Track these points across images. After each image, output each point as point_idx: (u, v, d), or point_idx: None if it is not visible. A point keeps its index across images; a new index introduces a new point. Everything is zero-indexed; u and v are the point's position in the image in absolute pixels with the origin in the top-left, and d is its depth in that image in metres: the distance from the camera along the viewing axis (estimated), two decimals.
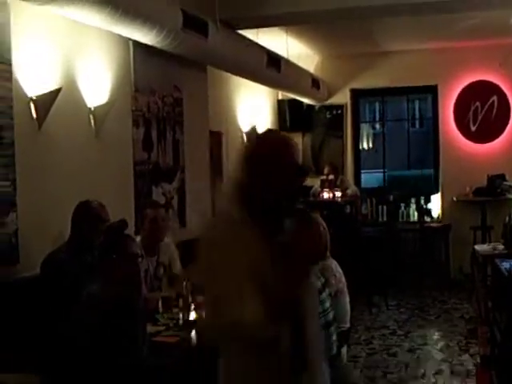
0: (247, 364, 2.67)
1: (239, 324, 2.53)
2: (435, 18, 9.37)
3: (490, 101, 11.82)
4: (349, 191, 10.48)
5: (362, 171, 13.09)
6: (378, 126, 19.85)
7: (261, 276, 2.54)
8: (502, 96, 11.75)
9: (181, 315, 4.72)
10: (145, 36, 6.26)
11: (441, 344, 7.98)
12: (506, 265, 4.08)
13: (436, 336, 8.41)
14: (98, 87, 6.35)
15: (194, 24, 6.84)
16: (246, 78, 9.55)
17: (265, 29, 9.17)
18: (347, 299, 4.87)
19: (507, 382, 3.47)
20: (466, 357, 7.27)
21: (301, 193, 2.79)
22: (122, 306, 3.88)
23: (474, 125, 11.87)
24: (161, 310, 4.94)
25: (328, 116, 12.50)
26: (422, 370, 6.98)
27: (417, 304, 10.00)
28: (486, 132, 11.77)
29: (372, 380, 6.70)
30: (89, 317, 3.85)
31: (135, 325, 3.93)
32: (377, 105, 20.12)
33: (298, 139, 12.35)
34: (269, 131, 2.95)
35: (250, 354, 2.64)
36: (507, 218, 8.00)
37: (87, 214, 4.97)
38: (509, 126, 11.73)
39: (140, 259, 4.40)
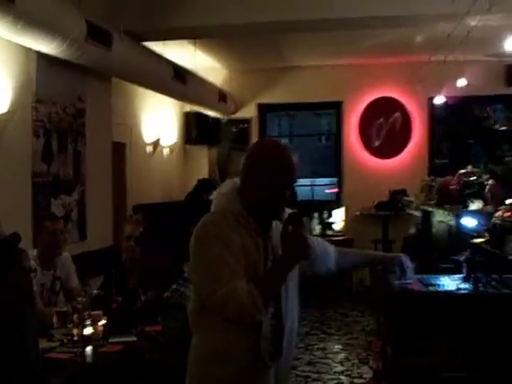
0: (229, 342, 2.88)
1: (231, 302, 2.75)
2: (342, 34, 9.54)
3: (394, 117, 12.10)
4: None
5: None
6: (285, 140, 20.10)
7: (251, 264, 2.83)
8: (405, 113, 12.05)
9: (75, 331, 4.62)
10: (47, 46, 6.16)
11: (341, 357, 8.06)
12: (397, 279, 4.14)
13: (336, 349, 8.47)
14: None
15: (97, 34, 6.77)
16: (152, 89, 9.52)
17: (173, 41, 9.15)
18: None
19: None
20: (365, 369, 7.39)
21: (293, 194, 2.95)
22: (13, 320, 3.78)
23: (377, 140, 12.12)
24: (56, 325, 4.82)
25: (234, 130, 12.53)
26: (322, 383, 7.05)
27: (318, 317, 10.07)
28: (388, 148, 12.04)
29: None
30: None
31: (26, 340, 3.82)
32: (284, 119, 20.37)
33: (203, 152, 12.38)
34: (269, 138, 3.20)
35: (234, 333, 2.86)
36: (407, 233, 8.18)
37: None
38: (411, 142, 12.04)
39: (34, 273, 4.29)
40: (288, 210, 3.04)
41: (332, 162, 13.32)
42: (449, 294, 3.75)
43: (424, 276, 4.24)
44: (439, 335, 3.52)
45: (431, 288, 3.86)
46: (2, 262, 4.02)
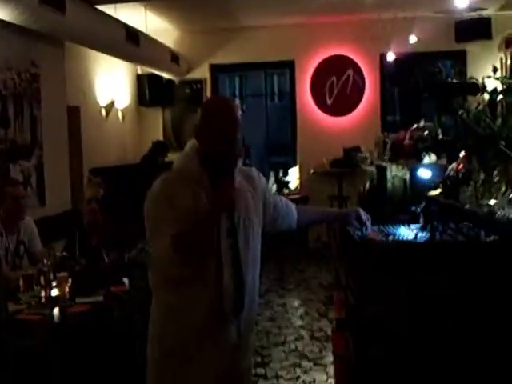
0: (186, 299, 3.00)
1: (157, 258, 3.01)
2: None
3: (346, 75, 12.21)
4: None
5: None
6: (237, 100, 20.11)
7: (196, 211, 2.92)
8: (357, 70, 12.16)
9: (43, 293, 4.68)
10: (1, 12, 6.11)
11: (300, 311, 8.25)
12: (357, 232, 4.26)
13: (296, 304, 8.66)
14: None
15: None
16: (105, 52, 9.47)
17: (123, 4, 9.10)
18: None
19: (360, 341, 3.67)
20: (325, 322, 7.57)
21: (237, 150, 3.05)
22: None
23: (330, 99, 12.22)
24: (22, 288, 4.87)
25: (188, 91, 12.53)
26: (283, 337, 7.20)
27: (277, 274, 10.25)
28: (341, 106, 12.16)
29: None
30: None
31: None
32: (236, 80, 20.38)
33: (158, 114, 12.38)
34: (217, 95, 3.29)
35: (192, 290, 2.98)
36: (362, 188, 8.31)
37: None
38: (363, 99, 12.16)
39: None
40: (241, 166, 3.20)
41: (284, 121, 13.39)
42: (407, 242, 3.87)
43: (383, 226, 4.36)
44: (399, 283, 3.65)
45: (391, 237, 3.98)
46: None
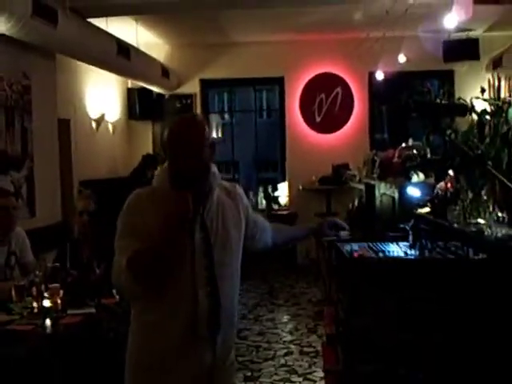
0: (162, 316, 2.96)
1: (115, 273, 2.93)
2: (283, 10, 9.66)
3: (335, 92, 12.30)
4: None
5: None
6: (226, 116, 20.18)
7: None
8: (346, 88, 12.25)
9: (35, 303, 4.70)
10: None
11: (290, 326, 8.27)
12: (347, 248, 4.33)
13: (285, 319, 8.68)
14: None
15: (43, 12, 6.78)
16: (96, 66, 9.52)
17: (114, 17, 9.16)
18: None
19: (351, 356, 3.72)
20: (314, 338, 7.61)
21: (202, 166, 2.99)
22: None
23: (319, 116, 12.31)
24: (14, 298, 4.89)
25: (178, 105, 12.57)
26: (273, 352, 7.23)
27: (266, 289, 10.30)
28: (330, 123, 12.25)
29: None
30: None
31: None
32: (225, 95, 20.43)
33: (147, 128, 12.44)
34: (179, 115, 3.21)
35: (168, 307, 2.95)
36: (350, 206, 8.38)
37: None
38: (352, 116, 12.26)
39: None
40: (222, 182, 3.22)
41: (272, 137, 13.46)
42: (397, 259, 3.94)
43: (372, 243, 4.43)
44: (389, 298, 3.72)
45: (381, 254, 4.05)
46: None
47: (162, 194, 2.98)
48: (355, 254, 3.98)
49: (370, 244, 4.36)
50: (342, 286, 4.28)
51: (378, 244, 4.41)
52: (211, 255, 3.02)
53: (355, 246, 4.28)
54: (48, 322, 4.48)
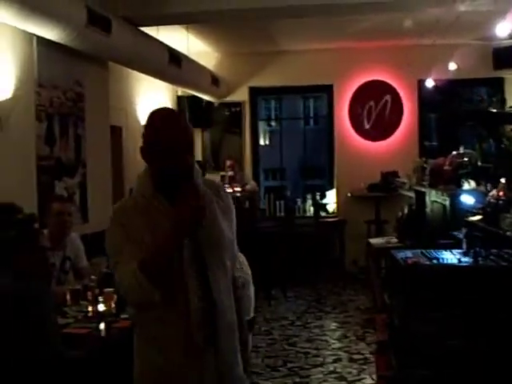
0: (159, 330, 2.79)
1: (122, 287, 2.78)
2: (332, 19, 9.69)
3: (384, 100, 12.26)
4: (248, 186, 10.71)
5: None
6: (273, 123, 20.27)
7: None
8: (395, 95, 12.21)
9: (90, 307, 4.78)
10: (50, 32, 6.28)
11: (338, 333, 8.26)
12: (401, 255, 4.34)
13: (333, 326, 8.68)
14: (1, 82, 6.31)
15: (97, 21, 6.89)
16: (148, 74, 9.63)
17: (166, 26, 9.26)
18: (252, 290, 5.05)
19: (404, 362, 3.73)
20: (362, 345, 7.60)
21: (188, 160, 2.79)
22: (35, 298, 3.92)
23: (368, 123, 12.28)
24: (69, 302, 4.99)
25: (227, 113, 12.67)
26: (321, 359, 7.23)
27: (314, 296, 10.30)
28: (379, 130, 12.22)
29: (273, 369, 6.90)
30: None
31: (49, 317, 3.98)
32: (272, 102, 20.51)
33: (197, 135, 12.51)
34: (153, 111, 2.89)
35: (164, 320, 2.77)
36: (400, 213, 8.36)
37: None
38: (401, 124, 12.21)
39: (51, 252, 4.45)
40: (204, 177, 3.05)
41: (320, 144, 13.47)
42: (451, 266, 3.94)
43: (425, 250, 4.43)
44: (442, 305, 3.72)
45: (434, 261, 4.05)
46: (21, 239, 4.18)
47: (148, 203, 2.80)
48: (409, 261, 4.00)
49: (423, 251, 4.37)
50: (396, 292, 4.29)
51: (431, 251, 4.41)
52: (201, 255, 2.81)
53: (409, 253, 4.30)
54: (102, 325, 4.56)
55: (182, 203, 2.66)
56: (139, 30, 8.43)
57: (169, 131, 2.75)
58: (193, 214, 2.66)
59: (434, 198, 7.11)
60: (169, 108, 3.07)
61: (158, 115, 2.83)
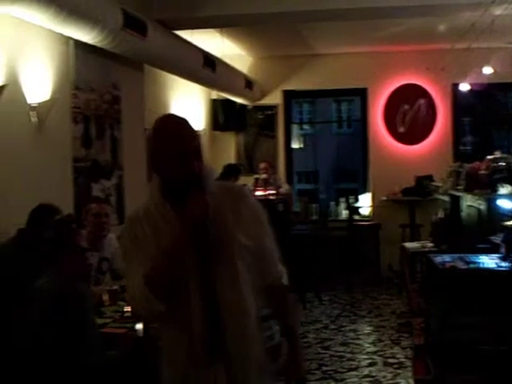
0: (168, 341, 2.82)
1: (130, 300, 2.82)
2: (366, 22, 9.67)
3: (418, 104, 12.21)
4: (282, 189, 10.70)
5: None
6: (306, 126, 20.25)
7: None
8: (429, 99, 12.15)
9: (127, 308, 4.82)
10: (87, 35, 6.33)
11: (373, 337, 8.23)
12: (438, 259, 4.32)
13: (368, 330, 8.64)
14: (39, 85, 6.39)
15: (133, 24, 6.94)
16: (182, 77, 9.67)
17: (200, 29, 9.31)
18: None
19: (442, 366, 3.71)
20: (397, 349, 7.55)
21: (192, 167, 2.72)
22: (76, 298, 3.97)
23: (402, 127, 12.23)
24: (107, 302, 5.03)
25: (260, 116, 12.69)
26: (356, 362, 7.21)
27: (348, 300, 10.28)
28: (413, 134, 12.16)
29: (308, 372, 6.88)
30: (41, 311, 3.91)
31: (89, 316, 4.03)
32: (305, 105, 20.50)
33: (231, 138, 12.56)
34: (156, 120, 2.84)
35: (170, 332, 2.78)
36: (434, 217, 8.32)
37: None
38: (435, 128, 12.15)
39: (90, 252, 4.50)
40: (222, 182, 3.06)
41: (353, 147, 13.43)
42: (490, 271, 3.92)
43: (463, 255, 4.41)
44: (480, 309, 3.70)
45: (472, 266, 4.03)
46: (60, 240, 4.24)
47: (157, 212, 2.78)
48: (447, 265, 3.98)
49: (461, 255, 4.35)
50: (433, 296, 4.27)
51: (469, 256, 4.38)
52: (208, 264, 2.75)
53: (446, 258, 4.28)
54: (139, 325, 4.59)
55: (185, 211, 2.65)
56: (174, 34, 8.48)
57: (170, 139, 2.72)
58: (194, 216, 2.65)
59: (470, 203, 7.08)
60: (172, 114, 3.01)
61: (159, 123, 2.80)
